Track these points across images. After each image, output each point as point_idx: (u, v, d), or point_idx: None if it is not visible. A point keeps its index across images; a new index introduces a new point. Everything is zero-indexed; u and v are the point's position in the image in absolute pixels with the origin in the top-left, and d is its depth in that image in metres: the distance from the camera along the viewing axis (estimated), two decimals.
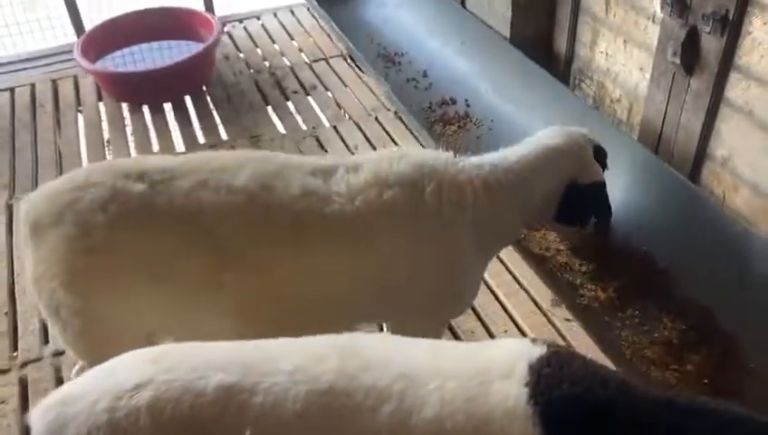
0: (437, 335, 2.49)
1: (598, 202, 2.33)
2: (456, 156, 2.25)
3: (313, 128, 4.67)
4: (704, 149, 2.95)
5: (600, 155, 2.37)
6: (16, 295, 3.35)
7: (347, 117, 4.73)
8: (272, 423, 1.37)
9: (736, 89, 2.74)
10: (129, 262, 2.00)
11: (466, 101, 3.87)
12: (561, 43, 3.73)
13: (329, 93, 5.03)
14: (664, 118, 3.08)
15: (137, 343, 2.27)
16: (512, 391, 1.34)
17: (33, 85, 5.01)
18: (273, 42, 5.47)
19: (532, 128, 3.42)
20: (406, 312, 2.30)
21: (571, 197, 2.24)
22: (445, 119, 3.79)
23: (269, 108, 4.92)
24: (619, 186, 3.02)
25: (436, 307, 2.32)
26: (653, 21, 3.05)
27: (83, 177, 2.08)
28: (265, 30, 5.61)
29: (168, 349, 1.58)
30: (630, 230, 3.00)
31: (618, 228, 3.00)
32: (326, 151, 4.37)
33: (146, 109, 4.91)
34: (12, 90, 4.99)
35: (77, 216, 1.98)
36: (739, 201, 2.88)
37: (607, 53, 3.41)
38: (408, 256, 2.15)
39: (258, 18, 5.80)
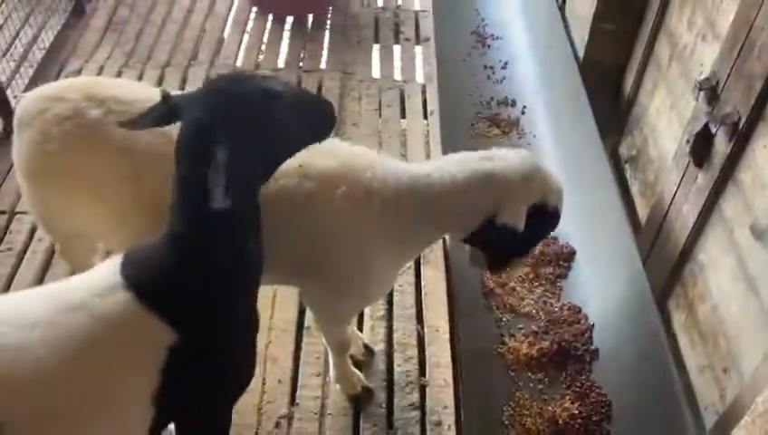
0: (346, 316, 2.71)
1: (502, 245, 2.26)
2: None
3: (404, 81, 4.75)
4: (691, 247, 2.75)
5: (548, 214, 2.27)
6: None
7: None
8: None
9: (729, 201, 2.51)
10: (73, 173, 2.30)
11: (524, 107, 3.77)
12: (629, 82, 3.48)
13: None
14: (672, 200, 2.87)
15: (89, 243, 2.69)
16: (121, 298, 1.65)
17: None
18: None
19: (559, 163, 3.36)
20: (315, 292, 2.54)
21: (483, 230, 2.23)
22: (496, 119, 3.73)
23: (376, 47, 5.04)
24: (597, 263, 2.96)
25: (339, 297, 2.50)
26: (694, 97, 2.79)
27: (62, 90, 2.33)
28: None
29: None
30: (586, 300, 2.92)
31: (573, 297, 2.95)
32: (401, 110, 4.46)
33: (270, 17, 5.21)
34: None
35: (42, 124, 2.27)
36: (701, 313, 2.69)
37: (658, 110, 3.17)
38: (313, 250, 2.32)
39: None
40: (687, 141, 2.65)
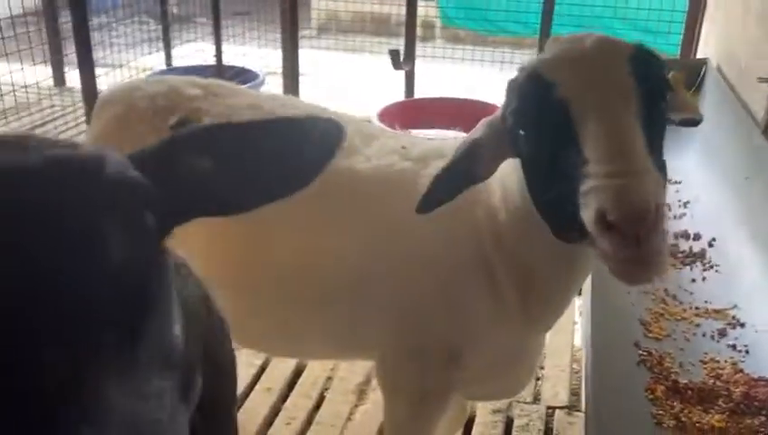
0: (423, 405, 1.85)
1: None
2: None
3: None
4: None
5: None
6: None
7: None
8: None
9: None
10: None
11: (713, 240, 2.83)
12: None
13: None
14: None
15: None
16: None
17: None
18: None
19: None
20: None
21: None
22: (672, 250, 2.79)
23: None
24: None
25: (414, 359, 1.78)
26: None
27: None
28: None
29: None
30: None
31: None
32: None
33: None
34: None
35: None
36: None
37: None
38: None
39: None
40: None
